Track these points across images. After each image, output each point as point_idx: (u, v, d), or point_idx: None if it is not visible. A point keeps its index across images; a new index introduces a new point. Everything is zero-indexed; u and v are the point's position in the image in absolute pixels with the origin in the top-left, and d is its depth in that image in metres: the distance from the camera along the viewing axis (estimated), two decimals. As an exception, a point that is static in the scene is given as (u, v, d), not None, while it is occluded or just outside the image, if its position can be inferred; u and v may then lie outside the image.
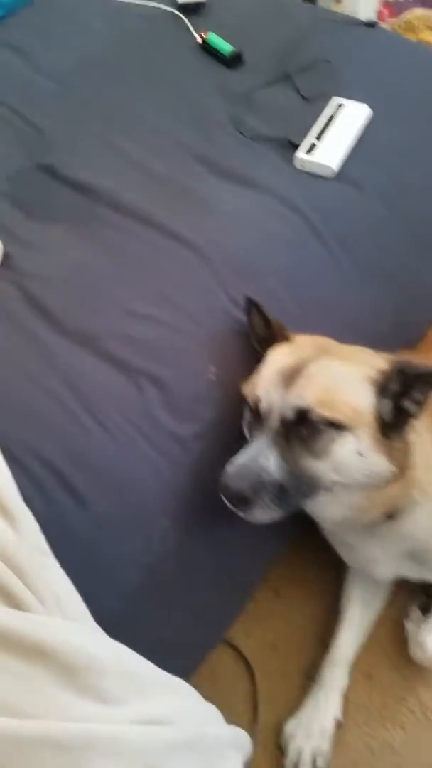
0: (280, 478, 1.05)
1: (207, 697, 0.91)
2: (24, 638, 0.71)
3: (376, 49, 1.79)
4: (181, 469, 1.16)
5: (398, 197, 1.49)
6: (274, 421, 1.08)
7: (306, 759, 1.40)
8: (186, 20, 1.85)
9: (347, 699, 1.47)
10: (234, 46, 1.74)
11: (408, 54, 1.84)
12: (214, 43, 1.76)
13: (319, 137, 1.50)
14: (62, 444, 1.12)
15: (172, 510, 1.15)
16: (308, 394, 1.05)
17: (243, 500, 1.06)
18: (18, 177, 1.56)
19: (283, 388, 1.08)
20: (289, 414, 1.06)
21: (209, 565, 1.27)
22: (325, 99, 1.59)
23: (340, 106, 1.57)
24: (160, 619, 1.18)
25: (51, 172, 1.54)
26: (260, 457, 1.06)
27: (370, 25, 1.85)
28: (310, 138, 1.50)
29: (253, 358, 1.23)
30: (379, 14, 2.62)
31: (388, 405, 1.07)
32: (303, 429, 1.05)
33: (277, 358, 1.15)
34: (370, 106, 1.56)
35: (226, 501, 1.07)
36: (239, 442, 1.17)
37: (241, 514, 1.08)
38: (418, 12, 2.64)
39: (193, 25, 1.83)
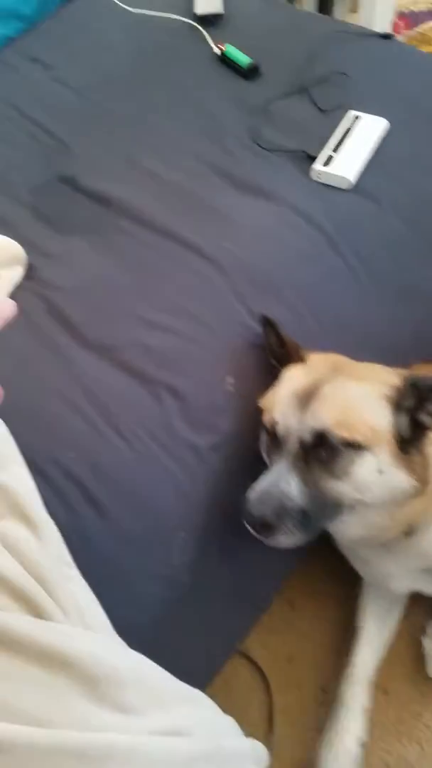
0: (302, 503, 1.05)
1: (221, 708, 0.90)
2: (46, 647, 0.72)
3: (392, 62, 1.79)
4: (199, 481, 1.16)
5: (415, 210, 1.49)
6: (292, 445, 1.08)
7: None
8: (204, 32, 1.86)
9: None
10: (252, 58, 1.74)
11: (424, 66, 1.83)
12: (232, 55, 1.76)
13: (336, 149, 1.50)
14: (84, 455, 1.13)
15: (191, 522, 1.15)
16: (326, 416, 1.05)
17: (266, 527, 1.05)
18: (40, 189, 1.57)
19: (300, 410, 1.08)
20: (308, 437, 1.06)
21: (227, 576, 1.27)
22: (341, 111, 1.60)
23: (356, 118, 1.57)
24: (177, 630, 1.17)
25: (72, 183, 1.56)
26: (281, 482, 1.06)
27: (386, 37, 1.85)
28: (327, 150, 1.51)
29: (271, 371, 1.23)
30: (395, 26, 2.63)
31: (404, 420, 1.07)
32: (322, 451, 1.05)
33: (292, 379, 1.15)
34: (387, 119, 1.56)
35: (249, 527, 1.07)
36: (257, 456, 1.18)
37: (264, 540, 1.07)
38: (434, 24, 2.66)
39: (211, 37, 1.84)
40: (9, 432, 1.05)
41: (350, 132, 1.55)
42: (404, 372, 1.12)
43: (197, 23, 1.89)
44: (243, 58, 1.75)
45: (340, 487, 1.06)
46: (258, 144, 1.57)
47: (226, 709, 0.91)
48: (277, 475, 1.07)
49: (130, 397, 1.20)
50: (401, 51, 1.88)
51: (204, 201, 1.47)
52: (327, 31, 1.84)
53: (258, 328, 1.27)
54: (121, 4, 2.01)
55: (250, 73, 1.74)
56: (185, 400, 1.20)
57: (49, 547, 0.89)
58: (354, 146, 1.51)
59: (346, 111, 1.59)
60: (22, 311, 0.91)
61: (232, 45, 1.78)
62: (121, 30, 1.97)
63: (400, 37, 2.60)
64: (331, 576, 1.61)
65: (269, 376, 1.22)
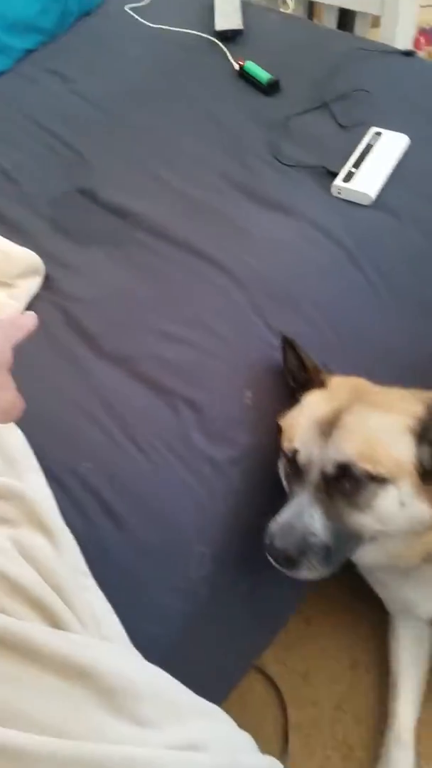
0: (326, 538, 1.04)
1: (235, 723, 0.90)
2: (63, 657, 0.71)
3: (414, 78, 1.80)
4: (217, 495, 1.16)
5: (436, 226, 1.49)
6: (314, 476, 1.07)
7: None
8: (224, 47, 1.88)
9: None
10: (271, 73, 1.75)
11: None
12: (252, 70, 1.78)
13: (356, 165, 1.50)
14: (102, 465, 1.13)
15: (208, 536, 1.15)
16: (349, 448, 1.04)
17: (289, 561, 1.05)
18: (59, 201, 1.58)
19: (322, 440, 1.07)
20: (330, 468, 1.05)
21: (244, 591, 1.25)
22: (362, 127, 1.60)
23: (378, 134, 1.57)
24: (195, 643, 1.16)
25: (91, 196, 1.57)
26: (305, 515, 1.05)
27: (408, 54, 1.86)
28: (348, 166, 1.51)
29: (289, 386, 1.23)
30: (416, 42, 2.63)
31: (426, 451, 1.05)
32: (345, 483, 1.04)
33: (313, 406, 1.13)
34: (408, 135, 1.56)
35: (272, 560, 1.07)
36: (275, 474, 1.17)
37: (287, 572, 1.07)
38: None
39: (230, 53, 1.86)
40: (27, 441, 1.05)
41: (371, 148, 1.55)
42: (426, 398, 1.10)
43: (217, 39, 1.91)
44: (263, 74, 1.76)
45: (363, 519, 1.05)
46: (277, 159, 1.58)
47: (240, 725, 0.90)
48: (300, 507, 1.06)
49: (147, 409, 1.20)
50: (423, 67, 1.88)
51: (222, 215, 1.48)
52: (347, 47, 1.85)
53: (276, 341, 1.27)
54: (140, 18, 2.03)
55: (269, 89, 1.75)
56: (202, 412, 1.20)
57: (65, 556, 0.89)
58: (375, 162, 1.52)
59: (367, 127, 1.60)
60: (41, 322, 0.92)
61: (252, 61, 1.79)
62: (140, 44, 1.99)
63: (421, 53, 2.60)
64: (348, 593, 1.59)
65: (287, 390, 1.22)
